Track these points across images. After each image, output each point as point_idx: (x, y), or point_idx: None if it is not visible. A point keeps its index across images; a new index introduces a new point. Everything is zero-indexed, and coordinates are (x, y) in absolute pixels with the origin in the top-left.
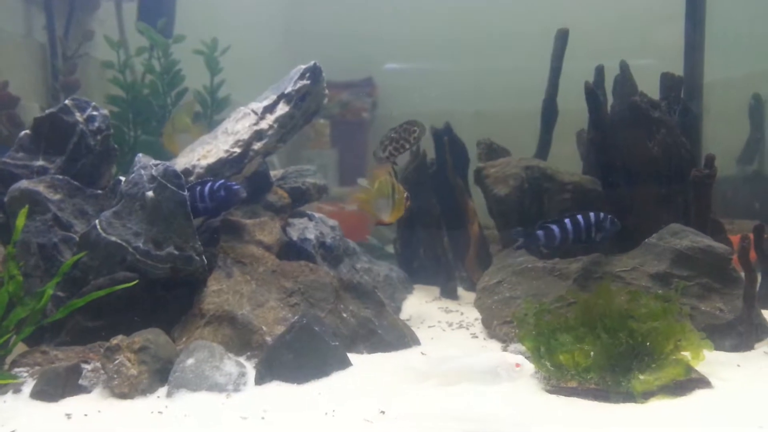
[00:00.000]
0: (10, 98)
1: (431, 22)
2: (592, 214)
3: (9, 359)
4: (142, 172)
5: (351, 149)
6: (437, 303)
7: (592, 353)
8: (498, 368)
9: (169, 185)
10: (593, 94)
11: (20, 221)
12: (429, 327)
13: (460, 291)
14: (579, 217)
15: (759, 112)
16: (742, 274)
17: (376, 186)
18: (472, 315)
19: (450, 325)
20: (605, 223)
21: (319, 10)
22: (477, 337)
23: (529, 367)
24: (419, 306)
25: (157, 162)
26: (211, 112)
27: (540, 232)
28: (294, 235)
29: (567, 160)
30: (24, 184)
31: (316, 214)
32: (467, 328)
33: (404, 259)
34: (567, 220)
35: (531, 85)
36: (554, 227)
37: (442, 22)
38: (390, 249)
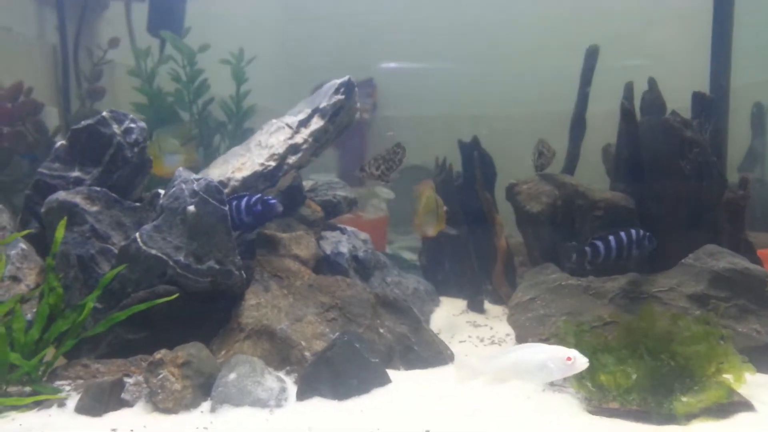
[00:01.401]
0: (34, 105)
1: (431, 24)
2: (633, 231)
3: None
4: (183, 186)
5: (351, 150)
6: (465, 316)
7: (633, 375)
8: (548, 362)
9: (210, 200)
10: (629, 114)
11: (59, 233)
12: (460, 342)
13: (487, 304)
14: (622, 234)
15: (760, 121)
16: None
17: (423, 202)
18: (502, 330)
19: (481, 340)
20: (644, 241)
21: (319, 12)
22: None
23: (583, 361)
24: (447, 319)
25: (199, 176)
26: (236, 121)
27: (588, 249)
28: (328, 248)
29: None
30: (61, 195)
31: (348, 228)
32: (499, 344)
33: (429, 272)
34: (611, 237)
35: (529, 89)
36: (600, 244)
37: (442, 25)
38: (406, 256)
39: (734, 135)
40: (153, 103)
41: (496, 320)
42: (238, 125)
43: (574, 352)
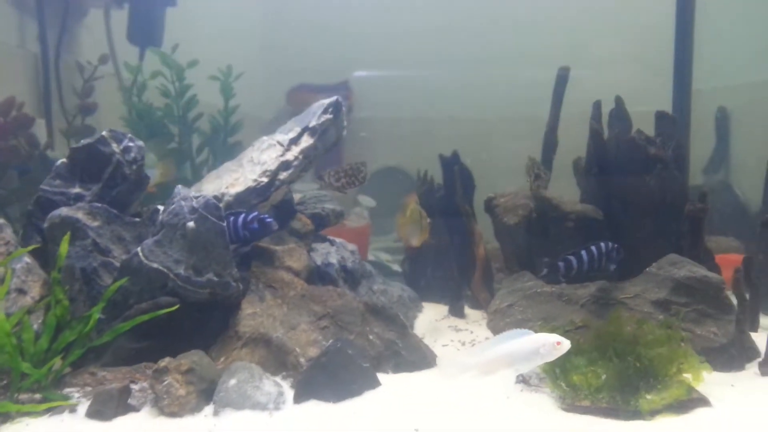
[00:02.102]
0: (26, 118)
1: (408, 28)
2: (602, 245)
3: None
4: (183, 203)
5: (327, 153)
6: (447, 321)
7: (603, 375)
8: (540, 348)
9: (210, 217)
10: (598, 134)
11: (64, 247)
12: (443, 346)
13: (467, 309)
14: (593, 248)
15: (724, 125)
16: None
17: (408, 213)
18: (482, 333)
19: (463, 343)
20: (613, 253)
21: (295, 15)
22: None
23: (567, 343)
24: (430, 324)
25: (197, 194)
26: (225, 135)
27: (561, 264)
28: (318, 260)
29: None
30: (64, 211)
31: (337, 239)
32: (465, 351)
33: (412, 278)
34: (583, 252)
35: (503, 93)
36: (572, 258)
37: (418, 29)
38: (383, 257)
39: (699, 138)
40: (143, 117)
41: (476, 324)
42: (226, 139)
43: (559, 337)
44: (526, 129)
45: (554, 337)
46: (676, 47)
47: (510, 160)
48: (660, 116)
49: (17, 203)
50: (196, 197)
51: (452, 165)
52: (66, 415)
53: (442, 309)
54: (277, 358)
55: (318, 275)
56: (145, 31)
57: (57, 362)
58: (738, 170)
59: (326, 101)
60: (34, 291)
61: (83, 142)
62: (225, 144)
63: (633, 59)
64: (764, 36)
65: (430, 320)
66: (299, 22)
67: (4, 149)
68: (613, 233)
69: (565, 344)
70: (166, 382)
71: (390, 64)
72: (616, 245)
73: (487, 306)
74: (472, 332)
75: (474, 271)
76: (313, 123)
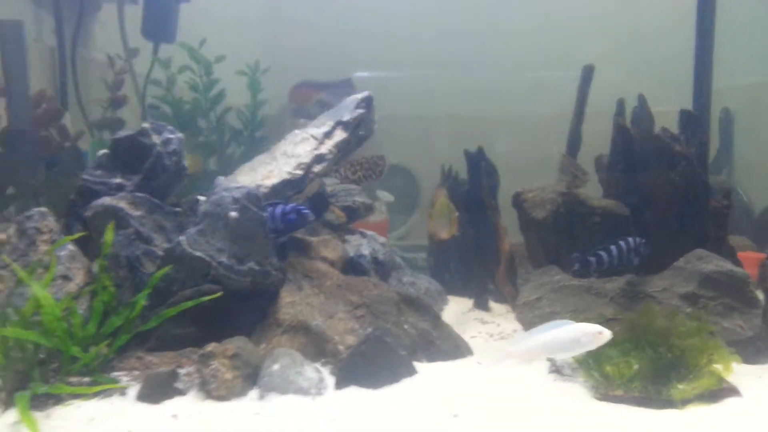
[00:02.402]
0: (56, 110)
1: (410, 24)
2: (630, 240)
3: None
4: (225, 194)
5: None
6: (472, 314)
7: (635, 365)
8: (581, 338)
9: (251, 207)
10: (625, 130)
11: (108, 236)
12: (472, 337)
13: (491, 303)
14: (622, 243)
15: (728, 125)
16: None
17: (436, 207)
18: (508, 326)
19: (491, 335)
20: (641, 248)
21: (297, 13)
22: None
23: (608, 333)
24: (456, 316)
25: (239, 185)
26: (252, 129)
27: (593, 258)
28: (351, 251)
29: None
30: (107, 200)
31: (368, 231)
32: (509, 339)
33: (436, 272)
34: (612, 247)
35: (503, 90)
36: (603, 254)
37: (420, 25)
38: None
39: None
40: (173, 111)
41: (501, 317)
42: (253, 133)
43: (600, 327)
44: (523, 127)
45: (595, 327)
46: (697, 48)
47: (508, 156)
48: (684, 114)
49: (46, 194)
50: (238, 188)
51: (478, 160)
52: (116, 398)
53: (467, 302)
54: (316, 346)
55: (351, 266)
56: (160, 26)
57: (103, 347)
58: (741, 170)
59: (359, 96)
60: (79, 278)
61: (123, 133)
62: (252, 138)
63: (630, 60)
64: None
65: (456, 313)
66: (301, 18)
67: (37, 141)
68: (639, 229)
69: (606, 334)
70: (212, 367)
71: (391, 63)
72: (643, 240)
73: (511, 299)
74: (498, 325)
75: (498, 265)
76: (346, 117)
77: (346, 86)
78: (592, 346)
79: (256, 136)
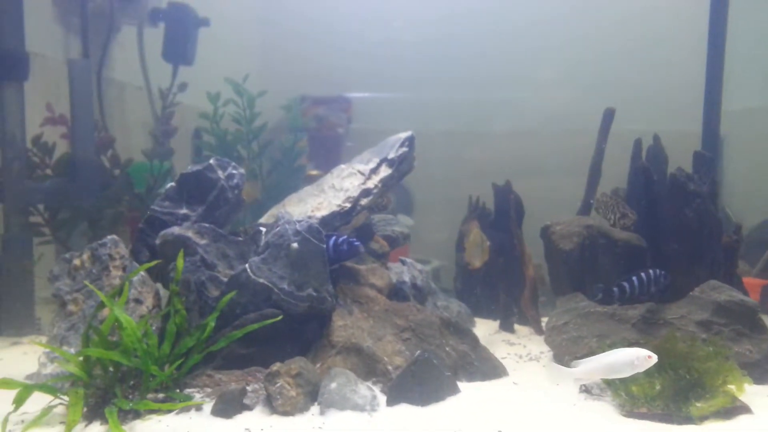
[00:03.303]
0: (109, 139)
1: (408, 42)
2: (651, 272)
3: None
4: (287, 226)
5: (327, 163)
6: (499, 336)
7: (658, 386)
8: (635, 360)
9: (312, 239)
10: (648, 171)
11: (180, 262)
12: (502, 358)
13: (516, 326)
14: (643, 274)
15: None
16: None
17: (471, 238)
18: (535, 348)
19: (520, 357)
20: (661, 279)
21: (298, 30)
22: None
23: (655, 357)
24: (484, 338)
25: (300, 219)
26: (290, 159)
27: (615, 289)
28: (393, 278)
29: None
30: (176, 230)
31: (407, 259)
32: (537, 360)
33: (464, 295)
34: (634, 278)
35: (498, 107)
36: (626, 284)
37: (418, 42)
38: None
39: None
40: (219, 142)
41: (526, 339)
42: (291, 163)
43: (650, 351)
44: (521, 142)
45: (646, 352)
46: (708, 73)
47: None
48: (698, 155)
49: (98, 218)
50: (299, 221)
51: (506, 193)
52: (193, 413)
53: (492, 324)
54: (367, 366)
55: (393, 292)
56: (180, 50)
57: (176, 365)
58: (730, 193)
59: (402, 135)
60: (149, 301)
61: (192, 168)
62: (291, 167)
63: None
64: (757, 67)
65: (484, 334)
66: (298, 34)
67: (97, 168)
68: (657, 261)
69: (654, 358)
70: (278, 384)
71: (387, 80)
72: (663, 272)
73: (536, 323)
74: (525, 346)
75: (523, 290)
76: (391, 155)
77: (344, 101)
78: (643, 368)
79: (294, 166)
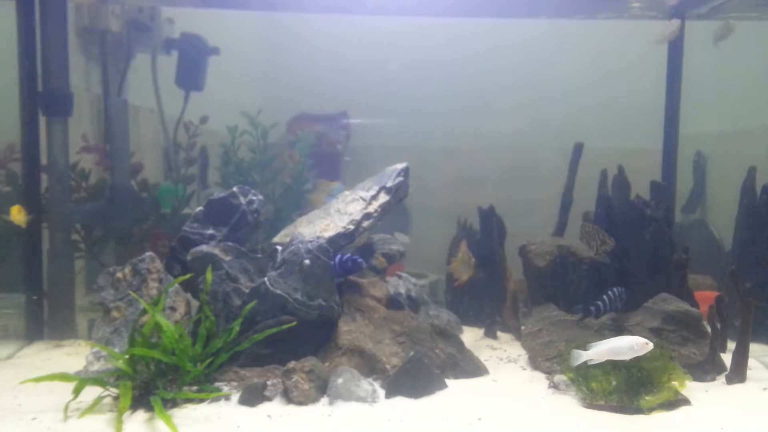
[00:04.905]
0: (139, 166)
1: (407, 59)
2: (615, 290)
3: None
4: (300, 246)
5: (325, 179)
6: (483, 341)
7: (614, 382)
8: (634, 346)
9: (321, 257)
10: (608, 200)
11: (209, 276)
12: (485, 360)
13: (498, 333)
14: (610, 293)
15: (701, 167)
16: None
17: (459, 256)
18: (514, 352)
19: (500, 359)
20: (623, 295)
21: (298, 46)
22: (525, 369)
23: (651, 345)
24: (471, 343)
25: (311, 239)
26: (298, 186)
27: (593, 308)
28: (390, 290)
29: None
30: (205, 248)
31: (403, 274)
32: (515, 362)
33: (453, 305)
34: (605, 297)
35: (494, 124)
36: (600, 303)
37: (416, 59)
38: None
39: (678, 179)
40: (237, 169)
41: (507, 344)
42: (300, 189)
43: (646, 339)
44: (516, 158)
45: (644, 339)
46: (667, 97)
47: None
48: (654, 185)
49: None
50: (311, 241)
51: (490, 216)
52: (222, 402)
53: (478, 331)
54: (368, 365)
55: (391, 302)
56: (191, 76)
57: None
58: (714, 209)
59: (399, 166)
60: (181, 308)
61: (218, 195)
62: (299, 192)
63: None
64: (740, 89)
65: (470, 340)
66: (299, 52)
67: (130, 192)
68: (619, 277)
69: (650, 345)
70: (294, 379)
71: (390, 93)
72: (623, 289)
73: (516, 331)
74: (505, 350)
75: (505, 302)
76: (389, 184)
77: (343, 118)
78: (641, 353)
79: (302, 190)
